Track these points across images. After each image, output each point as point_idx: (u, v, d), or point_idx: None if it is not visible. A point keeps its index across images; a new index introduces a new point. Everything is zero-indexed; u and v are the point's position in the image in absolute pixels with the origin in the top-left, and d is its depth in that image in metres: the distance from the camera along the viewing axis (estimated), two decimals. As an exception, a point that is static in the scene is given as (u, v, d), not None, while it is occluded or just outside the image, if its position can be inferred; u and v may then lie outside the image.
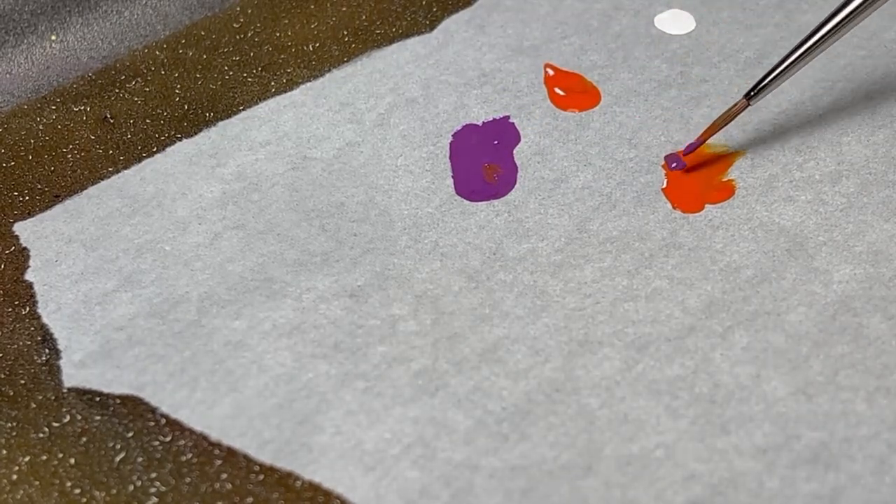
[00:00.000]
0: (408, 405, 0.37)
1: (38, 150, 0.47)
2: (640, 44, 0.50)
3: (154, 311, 0.40)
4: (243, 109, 0.48)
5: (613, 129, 0.46)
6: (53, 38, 0.53)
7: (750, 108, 0.44)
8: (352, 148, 0.46)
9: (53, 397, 0.38)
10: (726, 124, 0.44)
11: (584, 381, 0.37)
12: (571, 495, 0.34)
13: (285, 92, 0.49)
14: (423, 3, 0.54)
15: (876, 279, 0.40)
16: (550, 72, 0.49)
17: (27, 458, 0.36)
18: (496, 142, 0.46)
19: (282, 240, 0.43)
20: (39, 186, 0.46)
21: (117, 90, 0.50)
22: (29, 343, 0.40)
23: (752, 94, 0.43)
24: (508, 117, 0.47)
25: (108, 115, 0.49)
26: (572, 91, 0.48)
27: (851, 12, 0.42)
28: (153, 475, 0.36)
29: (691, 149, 0.44)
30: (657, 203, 0.43)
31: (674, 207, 0.43)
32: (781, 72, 0.43)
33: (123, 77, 0.51)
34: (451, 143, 0.46)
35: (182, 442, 0.37)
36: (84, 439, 0.37)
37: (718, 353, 0.38)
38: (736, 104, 0.44)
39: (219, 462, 0.36)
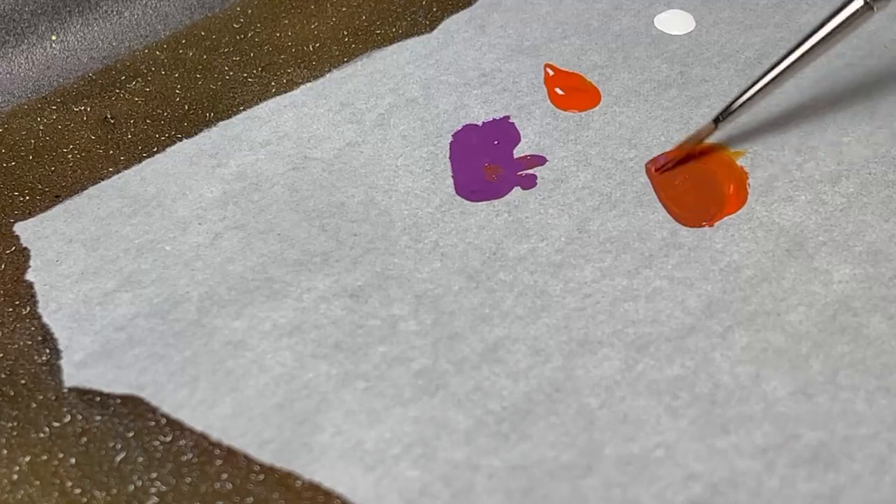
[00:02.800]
0: (408, 405, 0.37)
1: (39, 150, 0.47)
2: (640, 44, 0.50)
3: (154, 311, 0.40)
4: (243, 109, 0.49)
5: (613, 129, 0.46)
6: (54, 38, 0.53)
7: (750, 111, 0.44)
8: (352, 148, 0.46)
9: (54, 397, 0.38)
10: (693, 147, 0.44)
11: (584, 381, 0.37)
12: (571, 495, 0.34)
13: (285, 92, 0.49)
14: (423, 3, 0.54)
15: (876, 279, 0.40)
16: (550, 72, 0.49)
17: (27, 458, 0.36)
18: (496, 142, 0.46)
19: (282, 240, 0.43)
20: (40, 186, 0.46)
21: (118, 90, 0.50)
22: (29, 343, 0.40)
23: (721, 118, 0.44)
24: (508, 117, 0.47)
25: (109, 116, 0.49)
26: (572, 91, 0.48)
27: (821, 40, 0.42)
28: (153, 475, 0.36)
29: (661, 168, 0.44)
30: (657, 203, 0.43)
31: (674, 207, 0.43)
32: (752, 96, 0.44)
33: (124, 77, 0.51)
34: (451, 143, 0.46)
35: (182, 442, 0.37)
36: (84, 439, 0.37)
37: (718, 353, 0.38)
38: (704, 128, 0.44)
39: (219, 462, 0.36)
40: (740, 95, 0.44)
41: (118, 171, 0.46)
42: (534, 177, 0.44)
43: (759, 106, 0.46)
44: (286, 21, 0.53)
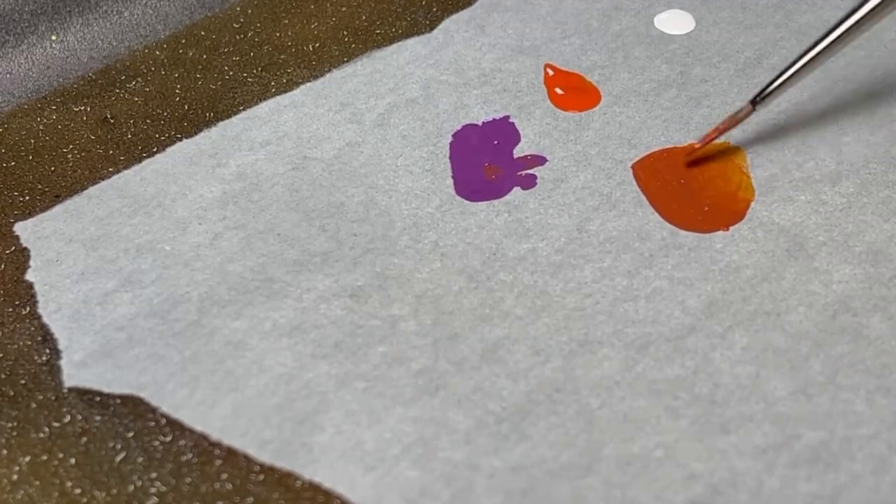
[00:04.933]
0: (408, 405, 0.37)
1: (39, 150, 0.47)
2: (640, 44, 0.50)
3: (154, 311, 0.40)
4: (243, 109, 0.49)
5: (613, 129, 0.46)
6: (53, 38, 0.53)
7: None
8: (352, 148, 0.46)
9: (54, 397, 0.38)
10: (730, 129, 0.44)
11: (584, 381, 0.37)
12: (571, 495, 0.34)
13: (285, 92, 0.49)
14: (423, 3, 0.54)
15: (876, 279, 0.40)
16: (550, 72, 0.49)
17: (27, 458, 0.36)
18: (496, 142, 0.46)
19: (282, 240, 0.43)
20: (40, 186, 0.46)
21: (117, 90, 0.50)
22: (29, 343, 0.40)
23: (758, 99, 0.43)
24: (508, 117, 0.47)
25: (109, 116, 0.49)
26: (572, 91, 0.48)
27: (859, 20, 0.42)
28: (153, 475, 0.36)
29: (694, 154, 0.44)
30: (657, 203, 0.43)
31: (674, 207, 0.43)
32: (788, 78, 0.43)
33: (123, 77, 0.51)
34: (451, 143, 0.46)
35: (182, 442, 0.37)
36: (84, 439, 0.37)
37: (718, 353, 0.38)
38: (741, 109, 0.44)
39: (219, 462, 0.36)
40: (777, 77, 0.43)
41: (118, 171, 0.46)
42: (534, 177, 0.44)
43: (763, 105, 0.46)
44: (286, 21, 0.53)
